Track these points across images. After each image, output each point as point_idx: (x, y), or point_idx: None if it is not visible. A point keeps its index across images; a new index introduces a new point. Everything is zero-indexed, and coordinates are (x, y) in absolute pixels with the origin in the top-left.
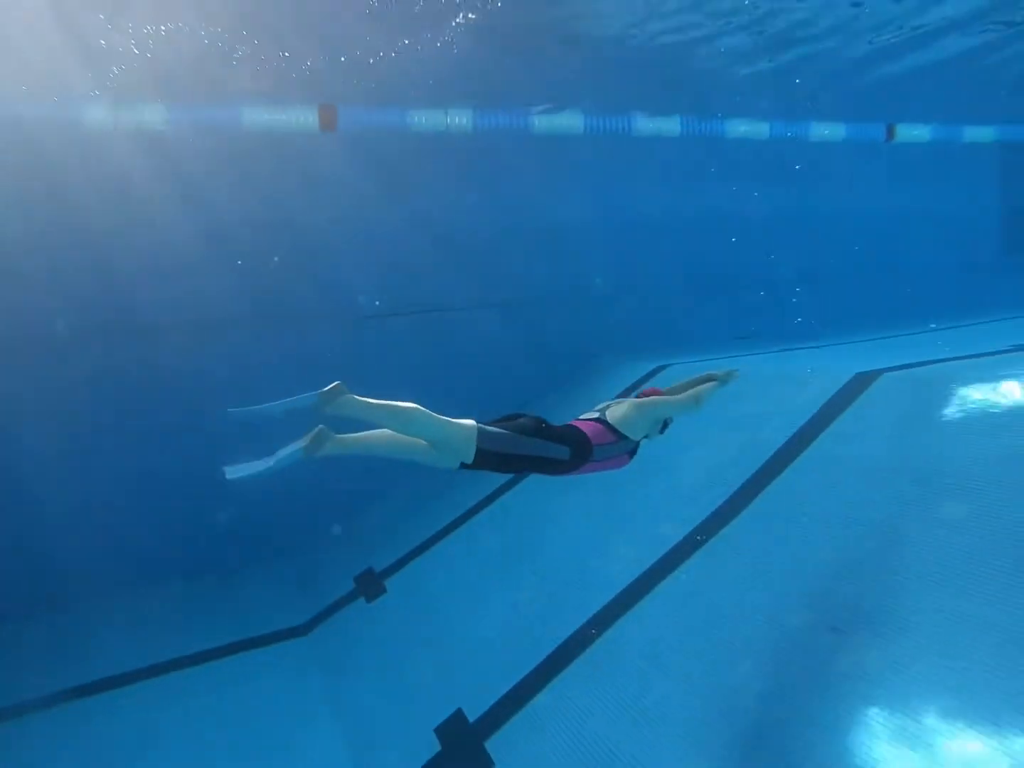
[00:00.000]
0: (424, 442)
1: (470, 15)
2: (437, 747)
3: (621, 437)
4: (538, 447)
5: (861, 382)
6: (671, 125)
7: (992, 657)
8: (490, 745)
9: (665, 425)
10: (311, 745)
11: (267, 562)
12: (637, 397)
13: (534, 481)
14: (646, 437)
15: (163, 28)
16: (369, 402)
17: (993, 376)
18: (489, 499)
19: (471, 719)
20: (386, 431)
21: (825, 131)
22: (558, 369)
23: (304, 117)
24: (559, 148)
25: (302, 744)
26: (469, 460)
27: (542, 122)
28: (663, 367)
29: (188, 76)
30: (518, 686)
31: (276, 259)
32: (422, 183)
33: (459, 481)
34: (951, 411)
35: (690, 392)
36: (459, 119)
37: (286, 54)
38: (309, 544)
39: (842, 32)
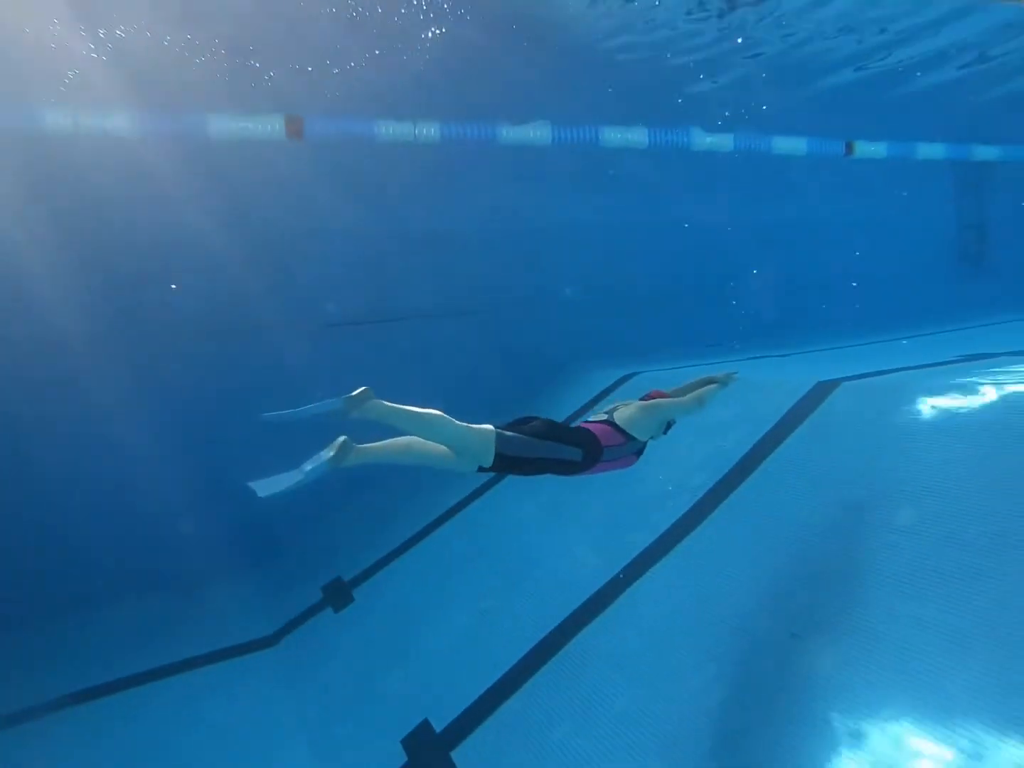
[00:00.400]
0: (443, 448)
1: (441, 29)
2: (403, 758)
3: (629, 439)
4: (552, 450)
5: (822, 390)
6: (638, 136)
7: (940, 658)
8: (456, 755)
9: (669, 426)
10: (276, 758)
11: (234, 573)
12: (643, 400)
13: (502, 489)
14: (652, 438)
15: (120, 31)
16: (394, 407)
17: (944, 385)
18: (458, 507)
19: (438, 729)
20: (405, 439)
21: (787, 145)
22: (527, 377)
23: (270, 125)
24: (528, 158)
25: (266, 757)
26: (488, 464)
27: (510, 133)
28: (631, 375)
29: (150, 82)
30: (485, 695)
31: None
32: (392, 191)
33: (427, 489)
34: (904, 419)
35: (693, 394)
36: (427, 130)
37: (256, 64)
38: (277, 554)
39: (819, 54)
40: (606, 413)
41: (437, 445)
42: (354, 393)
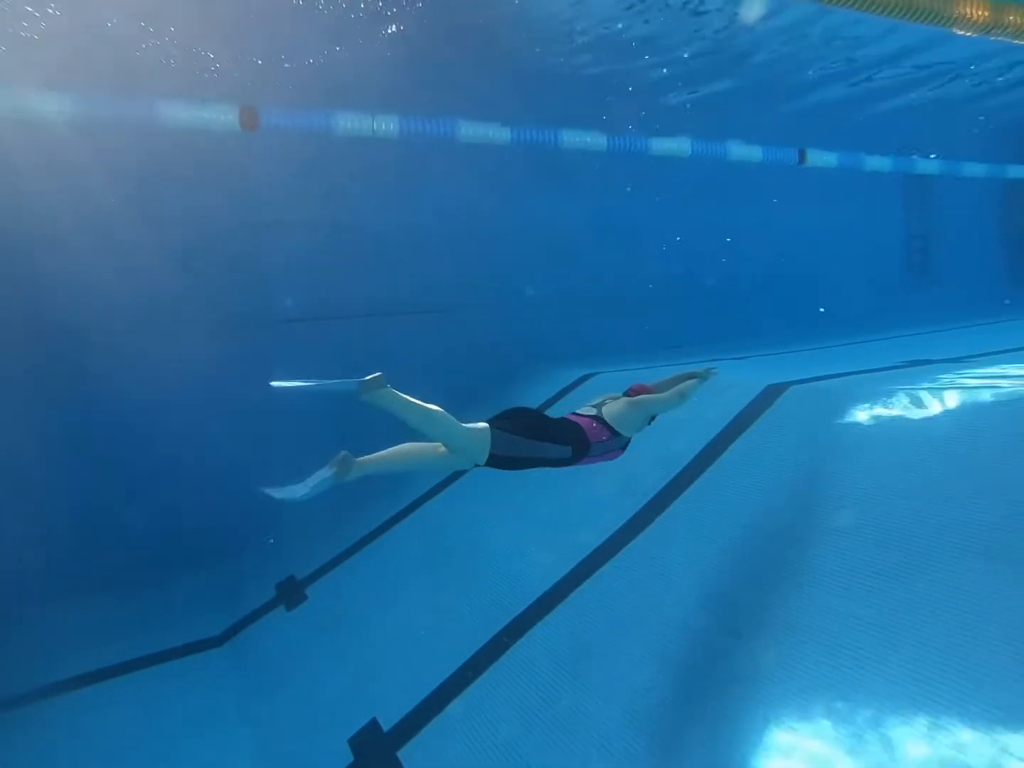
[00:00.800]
0: (439, 449)
1: (400, 27)
2: (350, 758)
3: (616, 434)
4: (544, 449)
5: (772, 393)
6: (597, 140)
7: (870, 654)
8: (403, 754)
9: (652, 419)
10: (221, 759)
11: (185, 571)
12: (627, 394)
13: (457, 488)
14: (637, 432)
15: (52, 9)
16: (405, 398)
17: (887, 389)
18: (413, 505)
19: (385, 728)
20: (402, 447)
21: (743, 152)
22: (487, 376)
23: (224, 115)
24: (487, 157)
25: (212, 758)
26: (482, 462)
27: (468, 131)
28: (589, 375)
29: (91, 65)
30: (433, 693)
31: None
32: (352, 186)
33: (383, 487)
34: (847, 422)
35: (675, 389)
36: (385, 125)
37: (210, 55)
38: (231, 551)
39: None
40: (594, 407)
41: (433, 449)
42: (368, 377)
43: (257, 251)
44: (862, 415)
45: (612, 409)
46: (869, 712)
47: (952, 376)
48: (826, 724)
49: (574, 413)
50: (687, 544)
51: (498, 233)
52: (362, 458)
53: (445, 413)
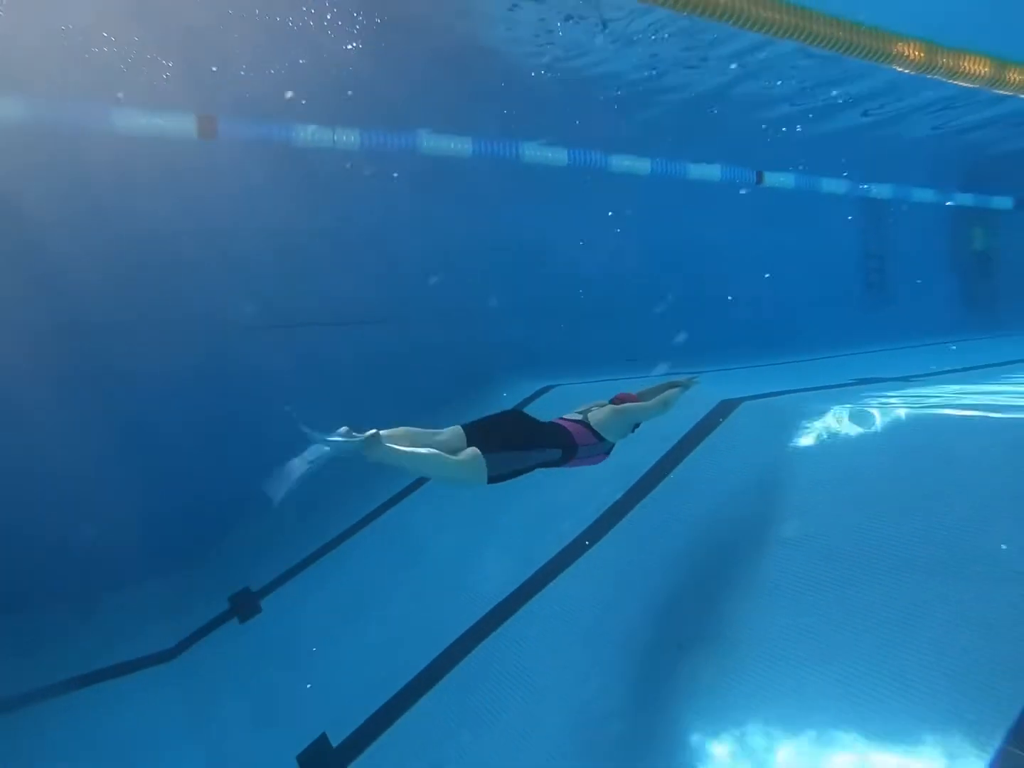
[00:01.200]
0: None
1: (358, 44)
2: None
3: (601, 439)
4: (534, 456)
5: (725, 408)
6: (558, 155)
7: (811, 665)
8: None
9: (636, 426)
10: None
11: (140, 583)
12: (613, 403)
13: (416, 499)
14: (621, 437)
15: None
16: (401, 451)
17: (835, 406)
18: (370, 516)
19: (335, 743)
20: (422, 451)
21: (701, 171)
22: (446, 387)
23: (182, 124)
24: (450, 169)
25: None
26: (484, 483)
27: (430, 142)
28: (549, 387)
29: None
30: (384, 708)
31: None
32: (315, 194)
33: (341, 499)
34: (796, 437)
35: (658, 398)
36: (346, 137)
37: (169, 64)
38: (185, 563)
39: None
40: (580, 414)
41: (446, 460)
42: (368, 434)
43: (213, 257)
44: (810, 431)
45: (597, 416)
46: (805, 722)
47: (897, 395)
48: (763, 734)
49: (561, 418)
50: (639, 556)
51: (458, 243)
52: (391, 444)
53: (438, 454)
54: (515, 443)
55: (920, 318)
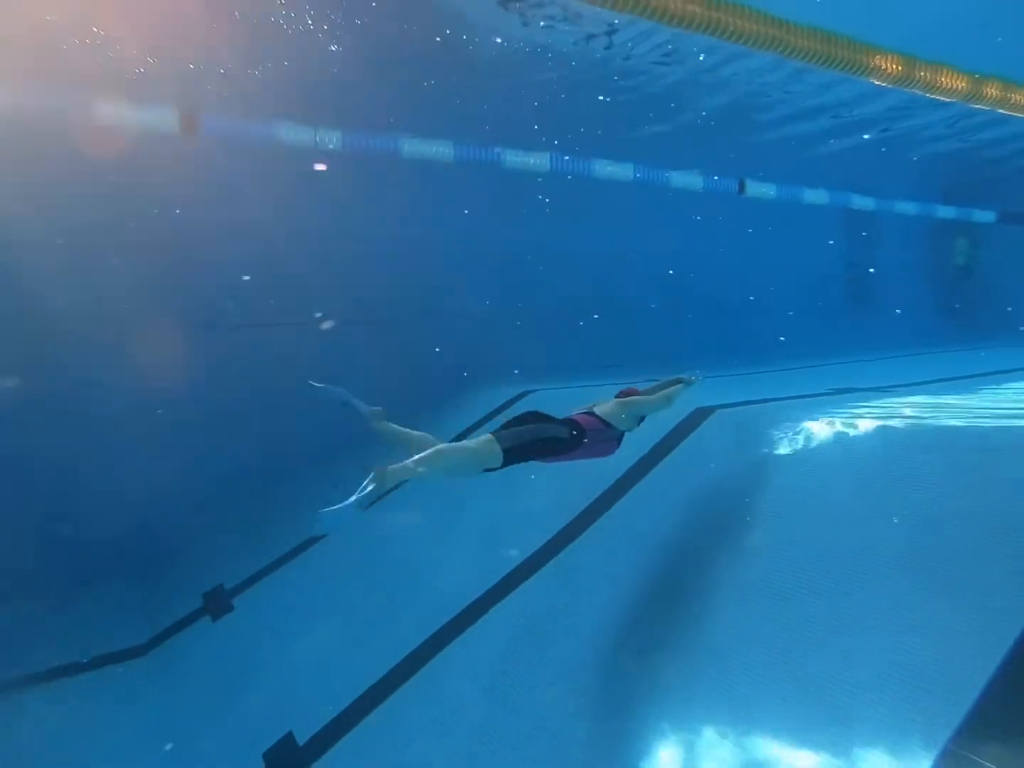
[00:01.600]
0: (462, 452)
1: (337, 47)
2: None
3: (608, 426)
4: (545, 430)
5: (699, 416)
6: (541, 161)
7: (766, 672)
8: None
9: (641, 419)
10: None
11: (115, 578)
12: (618, 397)
13: (388, 502)
14: (628, 430)
15: None
16: (409, 466)
17: (802, 417)
18: None
19: (301, 742)
20: (426, 455)
21: (683, 179)
22: (425, 390)
23: (165, 119)
24: (432, 173)
25: None
26: (499, 464)
27: (412, 147)
28: (527, 393)
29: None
30: (350, 708)
31: None
32: (298, 194)
33: (316, 498)
34: (765, 446)
35: (662, 393)
36: (327, 138)
37: (152, 60)
38: (161, 559)
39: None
40: (586, 408)
41: (453, 451)
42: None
43: (192, 255)
44: (779, 440)
45: (604, 408)
46: (759, 727)
47: (868, 405)
48: (718, 739)
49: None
50: (607, 562)
51: (439, 247)
52: (394, 466)
53: (446, 445)
54: (524, 422)
55: (902, 328)
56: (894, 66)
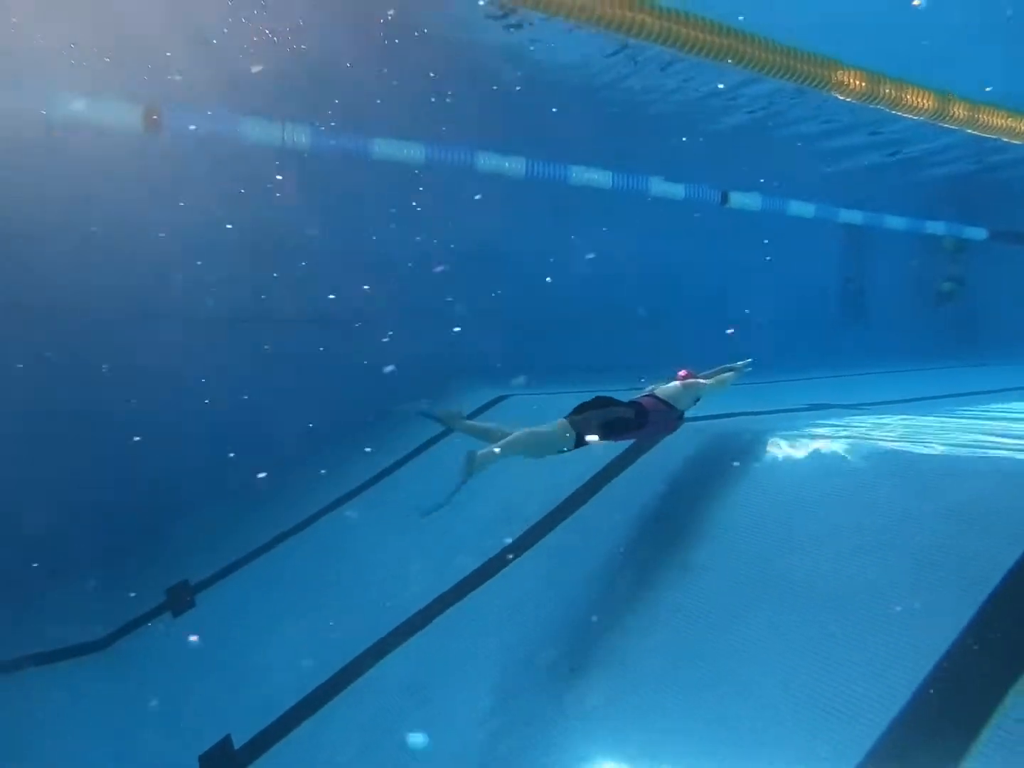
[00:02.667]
0: (539, 433)
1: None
2: None
3: (669, 407)
4: (612, 412)
5: None
6: (516, 165)
7: (696, 693)
8: None
9: (697, 400)
10: None
11: (78, 571)
12: (678, 381)
13: (353, 504)
14: (686, 409)
15: None
16: (497, 451)
17: (765, 433)
18: (310, 519)
19: (237, 746)
20: (512, 438)
21: (668, 188)
22: (400, 393)
23: (126, 115)
24: (409, 175)
25: None
26: (571, 446)
27: (383, 148)
28: (504, 397)
29: None
30: (288, 713)
31: None
32: (281, 192)
33: (283, 497)
34: (724, 462)
35: (717, 378)
36: (296, 135)
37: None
38: (122, 552)
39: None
40: (648, 391)
41: (531, 434)
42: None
43: (173, 252)
44: (740, 456)
45: (664, 390)
46: (679, 749)
47: (837, 423)
48: (641, 759)
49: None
50: (557, 574)
51: (416, 248)
52: (483, 451)
53: (526, 430)
54: (593, 407)
55: (898, 343)
56: (857, 82)
